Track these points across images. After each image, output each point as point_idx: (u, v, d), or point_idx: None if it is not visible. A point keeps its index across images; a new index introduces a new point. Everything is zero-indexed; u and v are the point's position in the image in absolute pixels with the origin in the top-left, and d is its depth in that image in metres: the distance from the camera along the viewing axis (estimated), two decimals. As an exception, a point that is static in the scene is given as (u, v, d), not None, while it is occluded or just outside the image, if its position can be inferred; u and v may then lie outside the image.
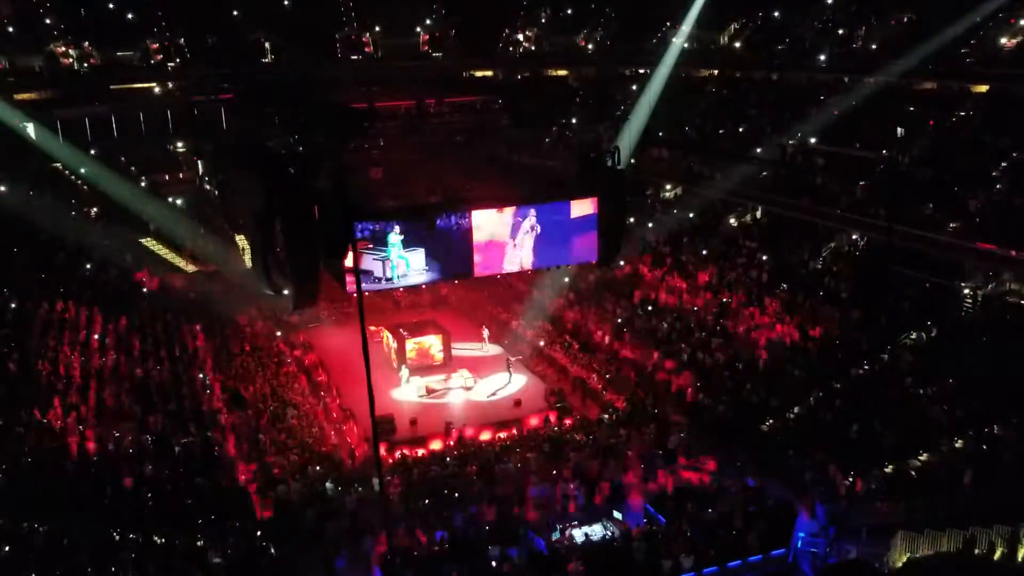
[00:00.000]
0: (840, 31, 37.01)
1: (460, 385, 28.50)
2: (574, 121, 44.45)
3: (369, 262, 19.00)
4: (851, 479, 20.51)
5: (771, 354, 26.54)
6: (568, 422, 25.74)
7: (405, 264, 19.52)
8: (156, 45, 45.57)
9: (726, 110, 39.89)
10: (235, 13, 46.90)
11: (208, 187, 42.43)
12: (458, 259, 20.15)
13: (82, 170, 39.46)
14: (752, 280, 30.95)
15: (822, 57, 36.11)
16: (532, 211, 20.68)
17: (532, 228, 20.89)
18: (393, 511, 19.82)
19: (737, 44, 42.48)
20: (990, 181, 27.08)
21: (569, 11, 50.78)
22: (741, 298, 30.11)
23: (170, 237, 38.28)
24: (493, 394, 28.27)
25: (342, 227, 15.49)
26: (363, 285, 16.61)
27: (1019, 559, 15.69)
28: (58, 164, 39.78)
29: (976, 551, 16.27)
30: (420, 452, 24.07)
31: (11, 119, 37.09)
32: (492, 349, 32.08)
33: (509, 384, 28.77)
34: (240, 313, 32.99)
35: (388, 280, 19.43)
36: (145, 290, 33.50)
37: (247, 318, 32.95)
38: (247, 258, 32.93)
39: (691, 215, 36.84)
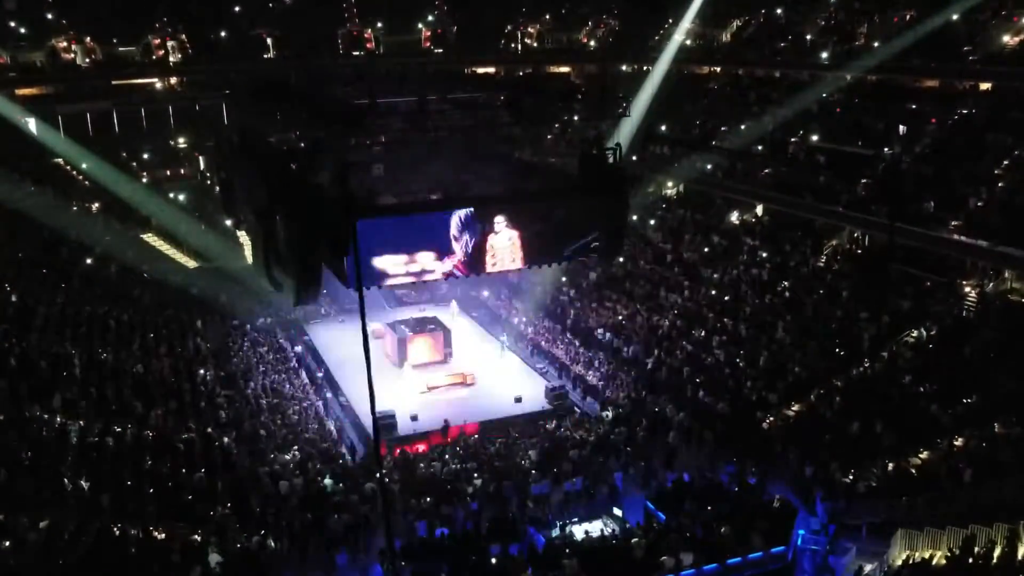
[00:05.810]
0: (843, 30, 36.91)
1: (460, 382, 28.54)
2: (576, 118, 44.35)
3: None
4: (851, 477, 20.52)
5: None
6: (568, 420, 25.73)
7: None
8: (158, 40, 45.59)
9: (728, 106, 39.82)
10: (236, 9, 46.97)
11: (209, 183, 42.49)
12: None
13: (83, 166, 39.48)
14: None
15: (824, 55, 36.02)
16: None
17: (518, 226, 20.75)
18: (393, 507, 19.85)
19: (739, 41, 42.39)
20: (992, 179, 27.04)
21: (572, 8, 50.76)
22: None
23: (171, 233, 38.33)
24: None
25: (343, 223, 15.48)
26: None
27: (1019, 557, 15.66)
28: (59, 160, 39.79)
29: (976, 549, 16.25)
30: (420, 448, 24.08)
31: (12, 114, 37.11)
32: (461, 321, 34.63)
33: (499, 360, 30.51)
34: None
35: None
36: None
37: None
38: (249, 254, 33.00)
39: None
